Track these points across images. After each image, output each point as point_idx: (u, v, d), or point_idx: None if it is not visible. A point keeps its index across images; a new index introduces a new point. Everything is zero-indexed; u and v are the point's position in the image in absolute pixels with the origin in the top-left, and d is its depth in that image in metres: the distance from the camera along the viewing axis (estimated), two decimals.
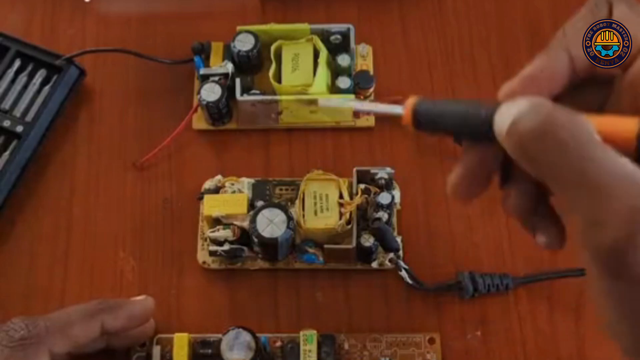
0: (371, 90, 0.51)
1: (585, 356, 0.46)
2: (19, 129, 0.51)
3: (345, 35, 0.52)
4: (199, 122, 0.52)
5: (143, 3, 0.58)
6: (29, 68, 0.53)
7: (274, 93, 0.51)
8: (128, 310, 0.42)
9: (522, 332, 0.46)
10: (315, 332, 0.44)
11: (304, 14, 0.55)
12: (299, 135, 0.52)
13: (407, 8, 0.56)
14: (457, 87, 0.54)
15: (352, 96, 0.50)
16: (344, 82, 0.51)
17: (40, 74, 0.53)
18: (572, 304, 0.47)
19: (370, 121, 0.52)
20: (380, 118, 0.52)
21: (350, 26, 0.52)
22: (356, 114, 0.52)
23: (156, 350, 0.44)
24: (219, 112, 0.51)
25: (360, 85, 0.50)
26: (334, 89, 0.51)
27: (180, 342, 0.43)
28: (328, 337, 0.45)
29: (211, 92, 0.50)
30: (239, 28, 0.52)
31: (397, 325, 0.47)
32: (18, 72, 0.53)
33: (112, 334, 0.42)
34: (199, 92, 0.50)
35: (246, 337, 0.42)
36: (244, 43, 0.51)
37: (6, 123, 0.51)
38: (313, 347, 0.44)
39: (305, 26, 0.52)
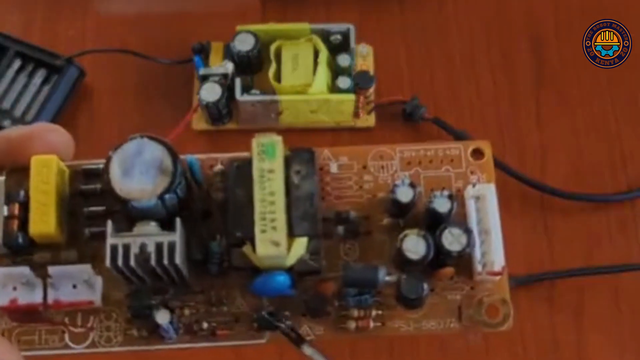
0: (371, 90, 0.51)
1: (586, 356, 0.46)
2: None
3: (345, 35, 0.52)
4: (199, 122, 0.52)
5: (143, 3, 0.58)
6: (29, 68, 0.53)
7: (274, 93, 0.51)
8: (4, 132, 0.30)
9: (522, 332, 0.46)
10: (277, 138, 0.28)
11: (304, 13, 0.55)
12: (299, 135, 0.52)
13: (407, 8, 0.56)
14: (456, 87, 0.54)
15: (352, 96, 0.50)
16: (344, 82, 0.51)
17: (40, 74, 0.53)
18: (572, 304, 0.47)
19: (370, 121, 0.52)
20: (380, 118, 0.52)
21: (351, 26, 0.52)
22: (356, 113, 0.52)
23: None
24: (219, 112, 0.51)
25: (360, 85, 0.50)
26: (334, 89, 0.51)
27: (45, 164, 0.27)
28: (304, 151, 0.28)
29: (211, 92, 0.50)
30: (238, 28, 0.52)
31: None
32: (18, 72, 0.53)
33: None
34: (199, 92, 0.50)
35: (155, 152, 0.26)
36: (243, 43, 0.51)
37: (6, 123, 0.51)
38: (276, 164, 0.27)
39: (305, 26, 0.52)
